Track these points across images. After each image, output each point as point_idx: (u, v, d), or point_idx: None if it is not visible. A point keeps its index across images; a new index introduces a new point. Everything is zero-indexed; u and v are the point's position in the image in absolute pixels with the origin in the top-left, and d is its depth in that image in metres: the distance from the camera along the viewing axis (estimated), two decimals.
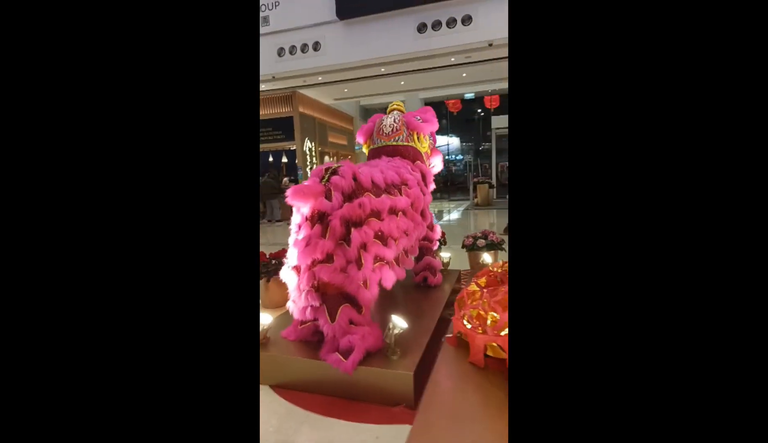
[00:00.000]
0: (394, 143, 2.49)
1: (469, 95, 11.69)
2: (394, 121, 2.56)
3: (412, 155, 2.49)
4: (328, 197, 1.66)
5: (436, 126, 2.60)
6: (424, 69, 7.62)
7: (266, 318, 1.85)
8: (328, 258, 1.61)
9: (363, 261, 1.62)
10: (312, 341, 1.85)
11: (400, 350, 1.66)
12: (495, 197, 9.79)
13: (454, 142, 14.22)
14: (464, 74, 7.98)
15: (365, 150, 2.75)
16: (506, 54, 6.65)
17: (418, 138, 2.54)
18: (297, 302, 1.75)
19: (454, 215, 8.50)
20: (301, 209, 1.72)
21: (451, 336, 1.83)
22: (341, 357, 1.59)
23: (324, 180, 1.72)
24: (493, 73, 7.80)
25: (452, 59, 7.06)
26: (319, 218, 1.66)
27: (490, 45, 6.21)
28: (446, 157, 13.99)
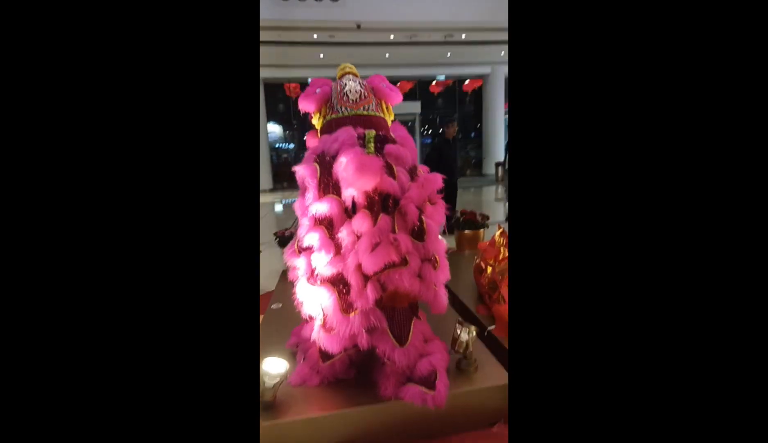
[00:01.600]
0: (365, 113, 2.04)
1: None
2: (360, 86, 2.10)
3: (384, 128, 2.11)
4: (391, 174, 1.18)
5: (400, 97, 2.28)
6: (280, 42, 6.82)
7: (276, 365, 1.19)
8: (403, 261, 1.15)
9: (438, 259, 1.24)
10: (347, 378, 1.32)
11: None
12: None
13: (276, 130, 13.10)
14: (321, 55, 7.56)
15: (316, 121, 2.17)
16: (375, 38, 6.68)
17: (386, 108, 2.17)
18: (339, 329, 1.19)
19: (279, 208, 7.28)
20: (345, 192, 1.16)
21: (494, 327, 1.64)
22: (424, 389, 1.17)
23: (369, 150, 1.21)
24: (353, 57, 7.69)
25: (315, 36, 6.57)
26: (382, 205, 1.16)
27: (359, 27, 6.07)
28: (278, 146, 12.88)
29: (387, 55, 7.84)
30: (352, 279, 1.15)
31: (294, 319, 1.99)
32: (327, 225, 1.22)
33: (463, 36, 6.92)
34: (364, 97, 2.06)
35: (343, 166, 1.16)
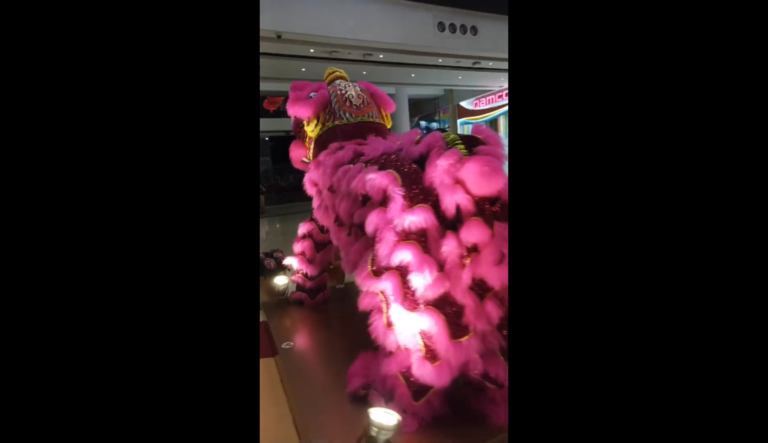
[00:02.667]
0: (369, 120, 1.89)
1: None
2: (362, 91, 1.95)
3: (385, 135, 1.98)
4: None
5: (394, 106, 2.17)
6: None
7: (387, 417, 0.96)
8: None
9: None
10: (445, 415, 1.15)
11: None
12: (265, 204, 9.13)
13: None
14: None
15: (310, 130, 1.92)
16: (293, 51, 6.38)
17: (385, 116, 2.05)
18: (452, 358, 1.03)
19: None
20: (448, 199, 1.02)
21: None
22: None
23: (463, 153, 1.10)
24: (266, 68, 7.20)
25: None
26: (485, 211, 1.05)
27: (279, 37, 5.75)
28: None
29: (303, 69, 7.58)
30: (468, 298, 1.01)
31: (314, 358, 1.69)
32: (418, 239, 1.06)
33: (381, 56, 7.12)
34: (367, 103, 1.92)
35: (443, 169, 1.02)
